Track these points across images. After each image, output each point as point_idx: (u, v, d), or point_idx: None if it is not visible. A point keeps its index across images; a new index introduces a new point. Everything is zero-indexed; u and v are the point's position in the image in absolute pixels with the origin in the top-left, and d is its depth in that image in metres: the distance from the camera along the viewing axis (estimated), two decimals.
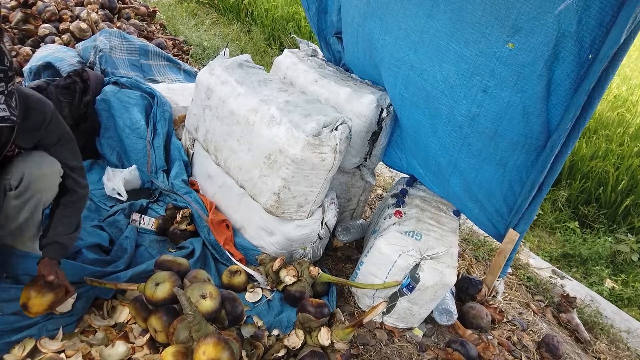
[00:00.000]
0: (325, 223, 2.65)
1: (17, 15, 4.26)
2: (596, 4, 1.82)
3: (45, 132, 1.83)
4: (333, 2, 3.23)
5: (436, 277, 2.37)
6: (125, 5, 5.32)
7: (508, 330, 2.87)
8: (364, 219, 3.41)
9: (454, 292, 2.85)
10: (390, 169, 4.21)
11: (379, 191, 4.28)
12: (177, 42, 5.56)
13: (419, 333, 2.60)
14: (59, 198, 1.95)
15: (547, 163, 2.24)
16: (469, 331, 2.68)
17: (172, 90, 3.57)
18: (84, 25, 4.32)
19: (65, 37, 4.27)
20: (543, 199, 2.49)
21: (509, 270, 3.64)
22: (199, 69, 4.85)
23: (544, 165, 2.27)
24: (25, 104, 1.67)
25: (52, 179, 1.87)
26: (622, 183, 5.11)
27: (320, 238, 2.68)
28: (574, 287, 3.85)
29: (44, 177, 1.84)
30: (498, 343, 2.71)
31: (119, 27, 4.77)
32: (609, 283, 4.23)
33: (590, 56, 1.93)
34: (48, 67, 3.43)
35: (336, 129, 2.37)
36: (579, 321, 3.22)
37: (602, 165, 5.36)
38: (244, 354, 1.91)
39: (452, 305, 2.65)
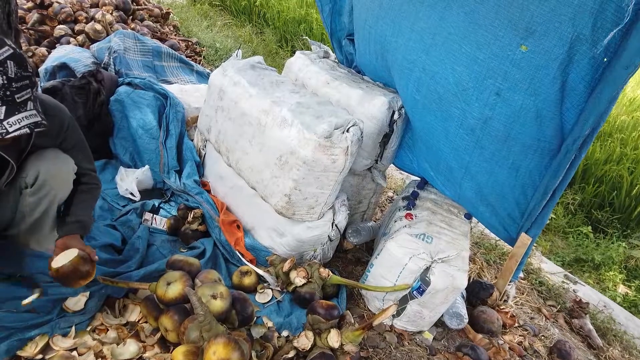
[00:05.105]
0: (336, 225, 2.65)
1: (34, 16, 4.32)
2: (612, 6, 1.80)
3: (64, 138, 1.92)
4: (346, 3, 3.23)
5: (447, 281, 2.36)
6: (139, 7, 5.37)
7: (519, 335, 2.84)
8: (375, 221, 3.40)
9: (464, 295, 2.84)
10: (401, 171, 4.19)
11: (390, 193, 4.27)
12: (189, 43, 5.60)
13: (429, 336, 2.58)
14: (75, 189, 2.02)
15: (560, 167, 2.22)
16: (480, 335, 2.66)
17: (185, 91, 3.59)
18: (98, 27, 4.37)
19: (80, 38, 4.32)
20: (556, 203, 2.47)
21: (521, 274, 3.61)
22: (211, 70, 4.88)
23: (557, 169, 2.25)
24: (43, 110, 1.71)
25: (66, 175, 1.93)
26: (637, 188, 5.05)
27: (330, 240, 2.68)
28: (586, 292, 3.80)
29: (59, 174, 1.89)
30: (509, 348, 2.68)
31: (133, 29, 4.81)
32: (622, 289, 4.18)
33: (605, 59, 1.91)
34: (63, 67, 3.47)
35: (347, 130, 2.37)
36: (591, 327, 3.18)
37: (616, 169, 5.30)
38: (253, 354, 1.92)
39: (462, 309, 2.63)
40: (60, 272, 1.81)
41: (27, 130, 1.53)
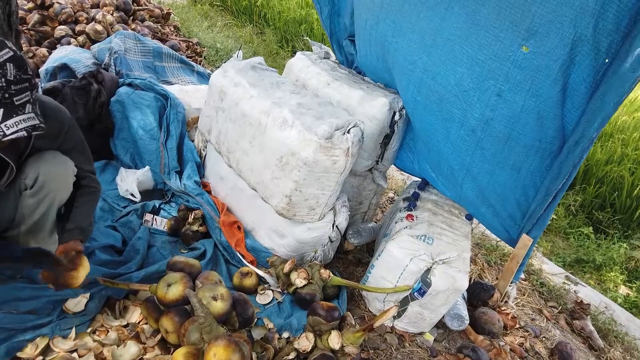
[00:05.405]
0: (337, 226, 2.65)
1: (34, 17, 4.32)
2: (613, 7, 1.79)
3: (64, 139, 1.92)
4: (346, 5, 3.22)
5: (448, 282, 2.35)
6: (140, 7, 5.37)
7: (520, 337, 2.83)
8: (375, 222, 3.39)
9: (465, 297, 2.83)
10: (402, 172, 4.19)
11: (391, 194, 4.27)
12: (190, 44, 5.59)
13: (429, 338, 2.58)
14: (75, 192, 2.02)
15: (562, 168, 2.22)
16: (481, 337, 2.66)
17: (186, 92, 3.59)
18: (99, 27, 4.37)
19: (80, 38, 4.32)
20: (557, 204, 2.46)
21: (522, 275, 3.61)
22: (212, 71, 4.88)
23: (558, 170, 2.24)
24: (42, 111, 1.71)
25: (66, 177, 1.92)
26: (638, 188, 5.04)
27: (331, 241, 2.68)
28: (587, 293, 3.80)
29: (58, 176, 1.89)
30: (510, 349, 2.68)
31: (133, 29, 4.81)
32: (623, 290, 4.17)
33: (606, 60, 1.90)
34: (64, 68, 3.47)
35: (348, 131, 2.36)
36: (592, 328, 3.18)
37: (617, 170, 5.29)
38: (254, 356, 1.92)
39: (463, 311, 2.63)
40: (46, 275, 1.82)
41: (24, 133, 1.53)
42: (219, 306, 1.89)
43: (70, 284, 1.86)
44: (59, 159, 1.90)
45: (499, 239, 3.49)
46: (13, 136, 1.50)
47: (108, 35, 4.32)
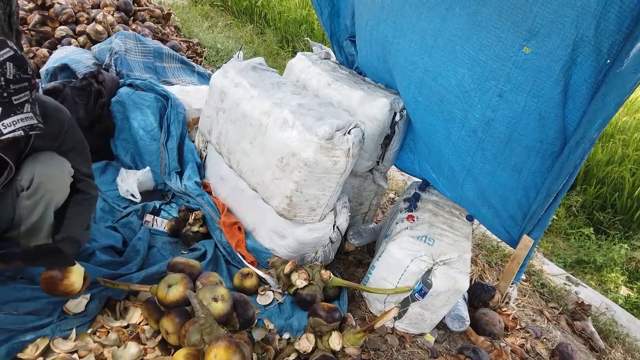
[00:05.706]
0: (337, 227, 2.65)
1: (35, 17, 4.32)
2: (615, 8, 1.79)
3: (64, 139, 1.91)
4: (346, 6, 3.22)
5: (449, 283, 2.35)
6: (140, 8, 5.36)
7: (521, 338, 2.83)
8: (376, 223, 3.39)
9: (466, 298, 2.82)
10: (403, 173, 4.19)
11: (391, 195, 4.26)
12: (191, 44, 5.59)
13: (430, 339, 2.57)
14: (71, 197, 1.99)
15: (563, 169, 2.21)
16: (482, 338, 2.65)
17: (186, 92, 3.59)
18: (99, 28, 4.37)
19: (81, 39, 4.31)
20: (558, 204, 2.46)
21: (523, 276, 3.60)
22: (212, 71, 4.88)
23: (559, 171, 2.24)
24: (43, 111, 1.70)
25: (62, 179, 1.91)
26: (639, 189, 5.03)
27: (331, 242, 2.67)
28: (588, 294, 3.79)
29: (54, 177, 1.88)
30: (511, 350, 2.68)
31: (134, 29, 4.81)
32: (624, 290, 4.17)
33: (608, 61, 1.90)
34: (64, 68, 3.47)
35: (349, 132, 2.36)
36: (593, 329, 3.17)
37: (618, 170, 5.28)
38: (254, 357, 1.92)
39: (464, 312, 2.62)
40: (44, 286, 1.81)
41: (21, 132, 1.52)
42: (219, 307, 1.89)
43: (69, 292, 1.83)
44: (55, 160, 1.88)
45: (499, 240, 3.49)
46: (10, 135, 1.50)
47: (109, 36, 4.31)
